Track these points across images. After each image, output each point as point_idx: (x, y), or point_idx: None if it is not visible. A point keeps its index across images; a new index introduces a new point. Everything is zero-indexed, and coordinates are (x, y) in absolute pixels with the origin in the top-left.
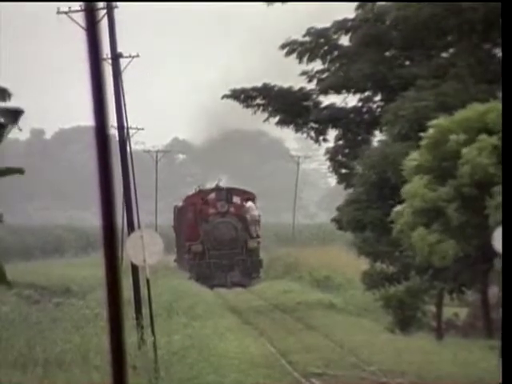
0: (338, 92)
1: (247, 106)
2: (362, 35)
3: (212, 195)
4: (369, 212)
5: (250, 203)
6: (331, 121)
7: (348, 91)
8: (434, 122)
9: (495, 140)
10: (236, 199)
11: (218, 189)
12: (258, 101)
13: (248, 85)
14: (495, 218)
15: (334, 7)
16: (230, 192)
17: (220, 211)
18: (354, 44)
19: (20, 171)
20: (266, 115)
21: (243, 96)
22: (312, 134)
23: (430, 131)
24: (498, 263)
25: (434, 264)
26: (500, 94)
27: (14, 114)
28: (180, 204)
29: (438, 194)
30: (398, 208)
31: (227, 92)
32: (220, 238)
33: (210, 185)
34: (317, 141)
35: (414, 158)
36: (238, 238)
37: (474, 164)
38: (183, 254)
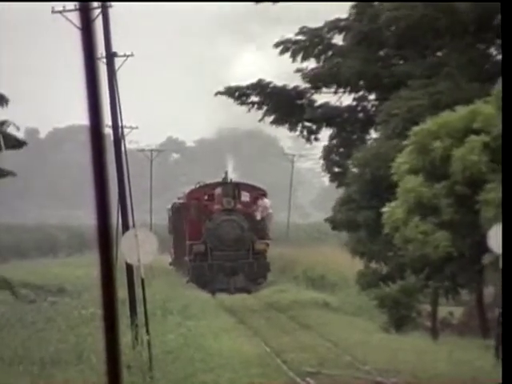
0: (329, 87)
1: (241, 104)
2: (354, 33)
3: (218, 190)
4: (362, 212)
5: (260, 200)
6: (325, 119)
7: (339, 87)
8: (417, 128)
9: (484, 138)
10: (245, 195)
11: (224, 183)
12: (253, 98)
13: (244, 83)
14: (486, 214)
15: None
16: (238, 187)
17: (226, 208)
18: (348, 43)
19: (11, 173)
20: (260, 113)
21: (237, 93)
22: (304, 132)
23: (413, 138)
24: (485, 259)
25: (428, 255)
26: (492, 91)
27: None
28: (179, 201)
29: (432, 191)
30: (388, 207)
31: (221, 89)
32: (224, 238)
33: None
34: (308, 140)
35: (405, 162)
36: (243, 238)
37: (464, 161)
38: (182, 255)
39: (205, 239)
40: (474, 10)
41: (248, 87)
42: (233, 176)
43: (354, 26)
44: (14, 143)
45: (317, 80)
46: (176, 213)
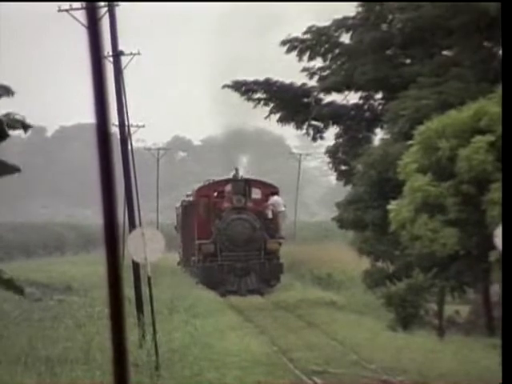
0: (340, 91)
1: (248, 99)
2: (368, 37)
3: (228, 187)
4: (369, 211)
5: (273, 198)
6: (332, 118)
7: (349, 90)
8: (422, 127)
9: (490, 137)
10: (256, 192)
11: (234, 180)
12: (259, 95)
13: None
14: (492, 213)
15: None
16: (249, 184)
17: (236, 206)
18: (357, 43)
19: (16, 169)
20: (266, 110)
21: (244, 88)
22: (310, 131)
23: (417, 137)
24: (492, 257)
25: (435, 253)
26: (497, 89)
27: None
28: (187, 199)
29: (440, 190)
30: (395, 206)
31: (228, 83)
32: (234, 238)
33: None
34: (314, 138)
35: (412, 161)
36: (255, 237)
37: (470, 161)
38: (190, 255)
39: (214, 239)
40: (492, 8)
41: (255, 83)
42: (241, 174)
43: (363, 26)
44: (19, 127)
45: (329, 88)
46: (185, 211)
